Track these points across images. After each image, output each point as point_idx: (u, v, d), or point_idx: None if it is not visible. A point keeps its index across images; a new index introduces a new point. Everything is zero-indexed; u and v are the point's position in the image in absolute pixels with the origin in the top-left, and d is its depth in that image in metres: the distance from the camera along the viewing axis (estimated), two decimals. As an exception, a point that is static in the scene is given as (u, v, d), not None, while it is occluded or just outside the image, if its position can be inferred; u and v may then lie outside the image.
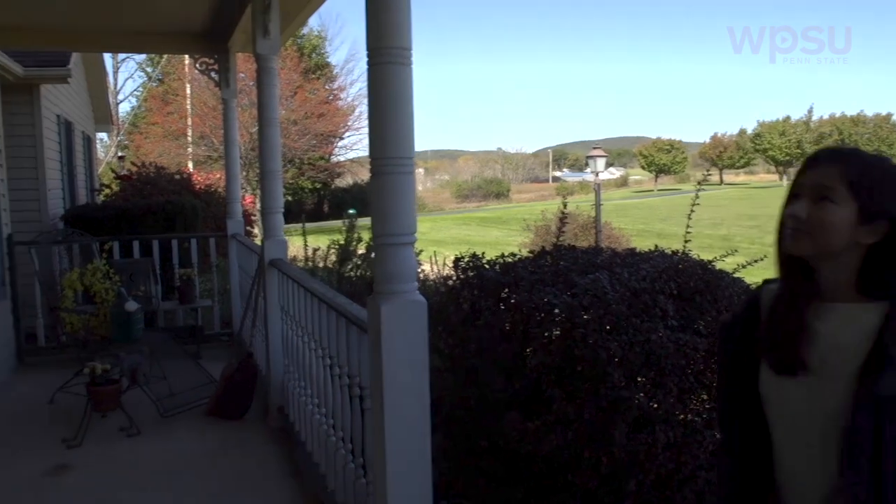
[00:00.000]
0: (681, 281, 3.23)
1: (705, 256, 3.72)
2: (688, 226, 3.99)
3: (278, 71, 4.80)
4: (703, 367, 3.00)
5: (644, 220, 35.12)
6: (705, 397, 3.04)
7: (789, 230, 1.33)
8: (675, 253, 3.74)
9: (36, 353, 6.54)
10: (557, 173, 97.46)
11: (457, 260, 3.81)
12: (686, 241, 3.90)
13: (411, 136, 2.26)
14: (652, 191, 66.13)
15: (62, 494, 3.88)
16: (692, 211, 4.11)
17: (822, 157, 1.33)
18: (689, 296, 3.23)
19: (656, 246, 3.91)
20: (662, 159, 69.74)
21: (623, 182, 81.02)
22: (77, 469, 4.16)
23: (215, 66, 6.77)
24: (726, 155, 71.67)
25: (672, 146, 71.17)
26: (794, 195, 1.34)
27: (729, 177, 74.87)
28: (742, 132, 74.25)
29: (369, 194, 2.31)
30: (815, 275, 1.35)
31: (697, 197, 4.23)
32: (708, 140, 77.63)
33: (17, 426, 4.89)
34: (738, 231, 30.70)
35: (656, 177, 71.39)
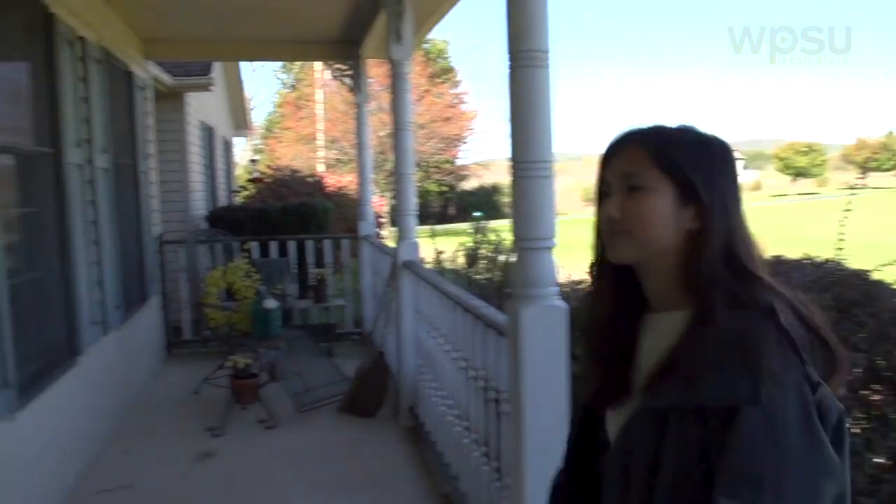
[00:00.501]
0: (837, 291, 3.02)
1: (853, 265, 3.47)
2: (840, 233, 3.75)
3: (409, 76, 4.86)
4: (863, 384, 2.80)
5: (781, 225, 33.37)
6: (863, 416, 2.83)
7: (607, 235, 1.12)
8: (826, 262, 3.52)
9: (182, 345, 6.96)
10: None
11: (592, 265, 3.73)
12: (839, 249, 3.67)
13: (550, 140, 2.23)
14: (787, 195, 62.93)
15: (208, 480, 4.09)
16: (845, 217, 3.86)
17: (620, 142, 1.13)
18: (845, 308, 3.01)
19: (806, 254, 3.70)
20: (800, 161, 66.26)
21: (757, 186, 77.59)
22: (221, 457, 4.37)
23: (349, 72, 6.97)
24: (872, 158, 67.33)
25: (810, 148, 67.52)
26: (602, 194, 1.13)
27: (877, 179, 70.32)
28: (890, 133, 69.77)
29: (511, 198, 2.29)
30: (640, 283, 1.13)
31: (851, 200, 3.99)
32: (851, 142, 73.35)
33: (168, 414, 5.20)
34: (891, 238, 28.59)
35: (794, 180, 67.95)
